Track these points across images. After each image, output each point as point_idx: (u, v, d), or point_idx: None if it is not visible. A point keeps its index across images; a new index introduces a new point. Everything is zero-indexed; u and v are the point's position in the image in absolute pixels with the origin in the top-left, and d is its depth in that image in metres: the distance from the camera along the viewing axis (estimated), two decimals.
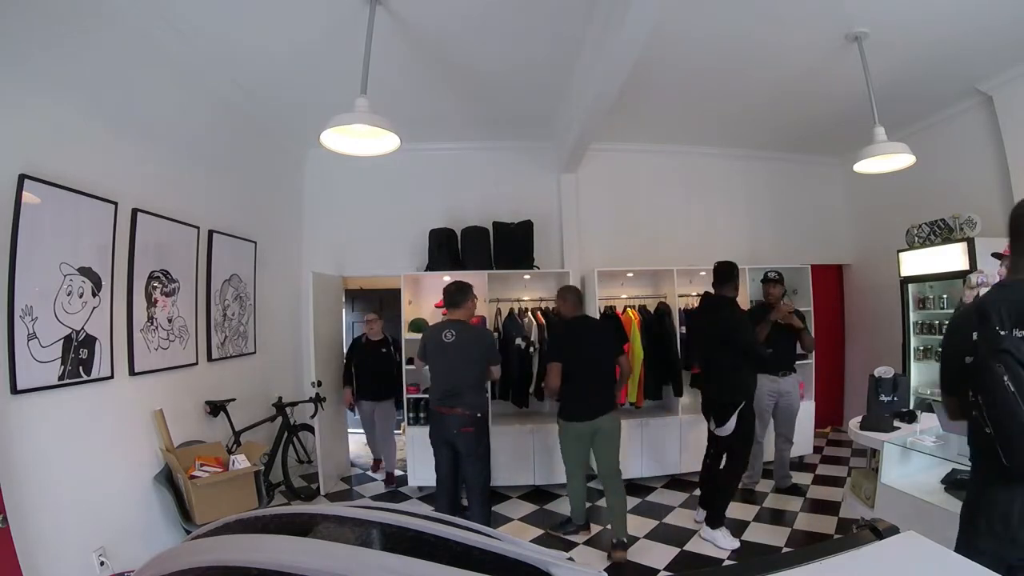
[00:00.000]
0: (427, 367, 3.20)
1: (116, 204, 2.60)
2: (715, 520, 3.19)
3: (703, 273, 4.46)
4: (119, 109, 2.69)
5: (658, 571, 2.91)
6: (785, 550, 3.10)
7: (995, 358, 1.30)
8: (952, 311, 3.93)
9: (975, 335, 1.40)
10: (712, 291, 3.36)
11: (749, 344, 3.13)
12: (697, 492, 3.71)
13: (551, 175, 4.96)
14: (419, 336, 3.45)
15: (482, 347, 3.16)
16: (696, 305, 4.10)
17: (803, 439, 4.37)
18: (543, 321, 4.35)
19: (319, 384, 4.14)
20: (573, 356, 3.07)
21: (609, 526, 3.24)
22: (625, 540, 3.08)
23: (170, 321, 3.09)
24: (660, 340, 4.34)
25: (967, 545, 1.41)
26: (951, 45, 3.23)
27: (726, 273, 3.27)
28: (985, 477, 1.45)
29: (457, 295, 3.20)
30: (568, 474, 3.30)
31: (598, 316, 4.31)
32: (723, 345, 3.14)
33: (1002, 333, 1.33)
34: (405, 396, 4.24)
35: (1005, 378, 1.27)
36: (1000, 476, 1.35)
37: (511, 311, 4.48)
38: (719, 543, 3.12)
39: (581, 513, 3.38)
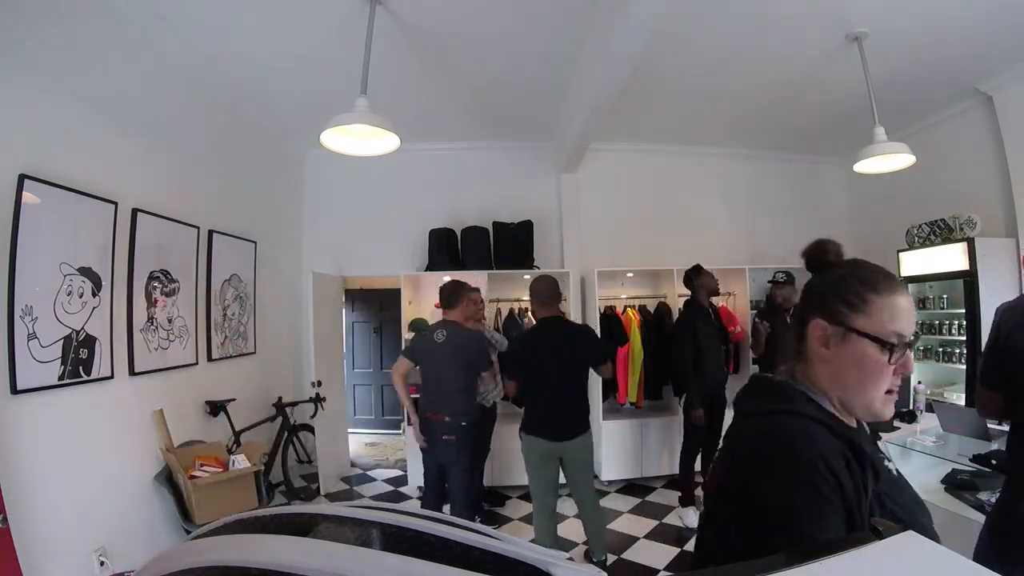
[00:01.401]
0: (418, 367, 3.01)
1: (116, 204, 2.61)
2: (683, 498, 3.57)
3: None
4: (119, 109, 2.69)
5: (658, 571, 2.91)
6: None
7: None
8: (952, 311, 3.93)
9: None
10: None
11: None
12: (698, 492, 3.71)
13: (551, 175, 4.96)
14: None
15: (468, 355, 2.94)
16: None
17: None
18: None
19: (319, 384, 4.14)
20: (538, 368, 2.69)
21: (584, 543, 2.99)
22: (604, 559, 2.87)
23: (170, 321, 3.09)
24: (660, 340, 4.34)
25: (999, 561, 1.31)
26: (951, 45, 3.22)
27: (686, 278, 3.71)
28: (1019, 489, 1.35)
29: (451, 295, 3.04)
30: (536, 505, 2.83)
31: (598, 316, 4.31)
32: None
33: None
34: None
35: None
36: None
37: (511, 311, 4.49)
38: (685, 520, 3.48)
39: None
